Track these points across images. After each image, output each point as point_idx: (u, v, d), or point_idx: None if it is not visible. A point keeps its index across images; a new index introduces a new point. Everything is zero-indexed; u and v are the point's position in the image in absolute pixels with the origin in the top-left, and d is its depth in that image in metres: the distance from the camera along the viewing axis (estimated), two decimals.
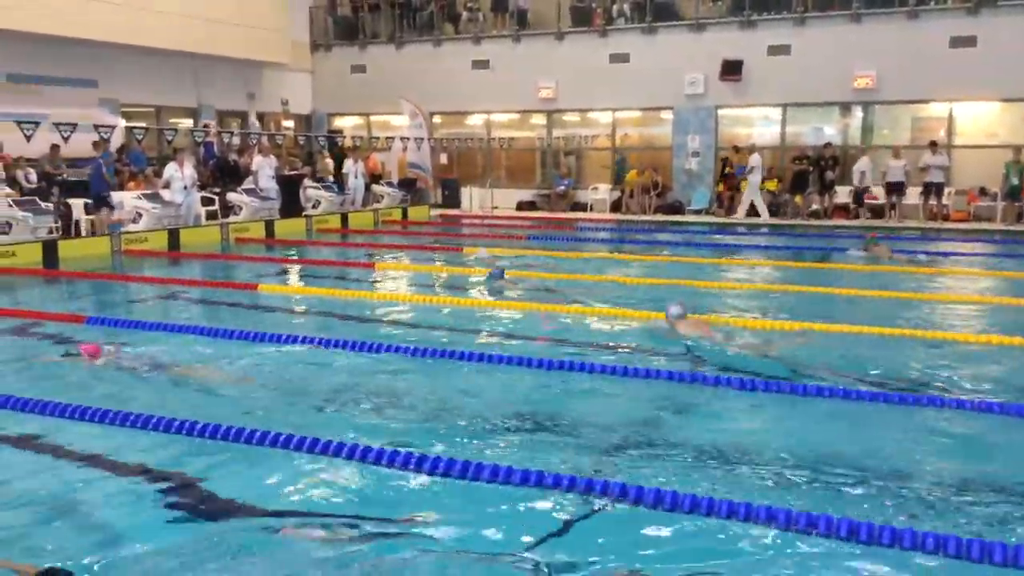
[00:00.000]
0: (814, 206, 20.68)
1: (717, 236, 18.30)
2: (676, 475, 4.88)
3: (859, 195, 20.25)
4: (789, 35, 21.26)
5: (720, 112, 22.42)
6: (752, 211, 20.83)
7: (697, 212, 21.75)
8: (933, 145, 19.34)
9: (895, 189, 19.54)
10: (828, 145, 20.80)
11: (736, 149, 21.69)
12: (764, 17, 21.61)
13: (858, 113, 21.73)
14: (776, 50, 21.26)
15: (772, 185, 21.16)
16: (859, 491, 4.73)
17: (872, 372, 7.04)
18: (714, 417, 6.02)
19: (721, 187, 21.91)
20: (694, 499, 4.32)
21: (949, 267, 13.56)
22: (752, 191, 20.75)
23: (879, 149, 21.04)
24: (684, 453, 5.27)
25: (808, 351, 7.76)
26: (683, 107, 22.46)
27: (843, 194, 20.76)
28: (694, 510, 4.27)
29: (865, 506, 4.50)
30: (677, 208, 22.11)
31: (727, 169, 21.80)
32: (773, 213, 20.93)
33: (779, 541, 4.08)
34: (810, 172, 20.45)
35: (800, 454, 5.23)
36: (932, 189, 19.35)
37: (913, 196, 19.76)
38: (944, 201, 19.65)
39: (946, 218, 19.60)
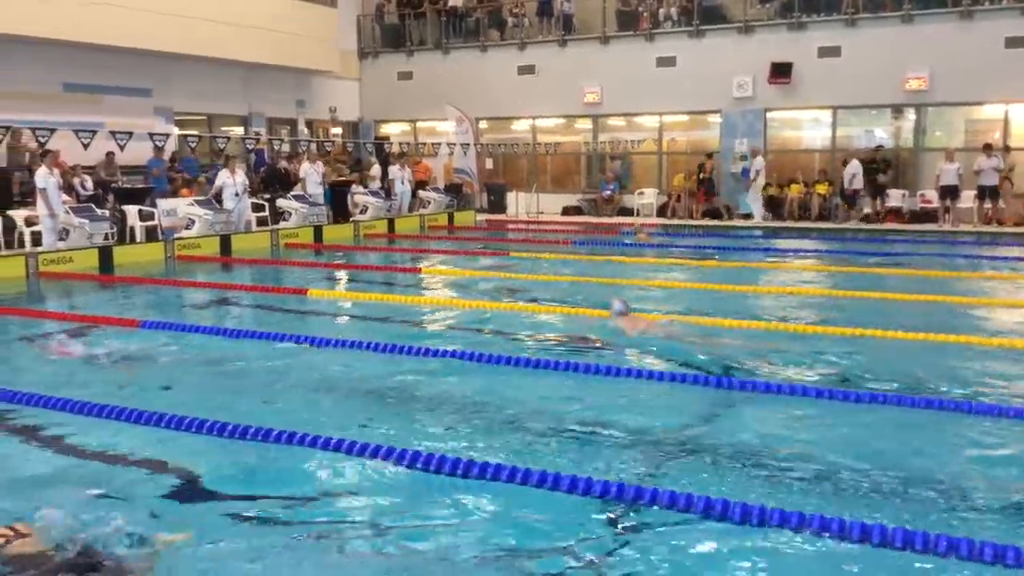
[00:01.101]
0: (866, 210, 20.38)
1: (765, 240, 18.10)
2: (726, 483, 4.84)
3: (850, 198, 20.11)
4: (839, 36, 20.99)
5: (769, 115, 22.20)
6: (720, 213, 21.34)
7: (745, 216, 21.53)
8: (987, 147, 18.96)
9: (948, 193, 19.17)
10: (880, 148, 20.51)
11: (709, 155, 21.96)
12: (814, 19, 21.38)
13: (910, 115, 21.36)
14: (826, 52, 21.00)
15: (822, 189, 20.90)
16: (911, 500, 4.65)
17: (922, 379, 6.90)
18: (762, 424, 5.94)
19: (698, 191, 22.09)
20: (745, 507, 4.27)
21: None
22: (755, 193, 20.81)
23: (932, 152, 20.69)
24: (732, 460, 5.22)
25: (855, 357, 7.65)
26: (731, 110, 22.28)
27: (895, 197, 20.48)
28: (745, 519, 4.23)
29: (918, 515, 4.42)
30: (736, 210, 21.90)
31: (702, 174, 21.92)
32: (823, 217, 20.68)
33: (831, 551, 4.02)
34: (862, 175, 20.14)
35: (852, 463, 5.15)
36: (986, 192, 18.97)
37: (967, 200, 19.38)
38: (1000, 204, 19.27)
39: (1001, 222, 19.19)
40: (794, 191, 21.22)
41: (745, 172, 21.36)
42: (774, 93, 21.66)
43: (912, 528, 4.05)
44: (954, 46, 19.77)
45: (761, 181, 20.92)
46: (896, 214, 20.33)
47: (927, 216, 20.03)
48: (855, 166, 19.92)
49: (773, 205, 21.45)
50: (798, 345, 8.20)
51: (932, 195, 19.91)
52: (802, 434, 5.77)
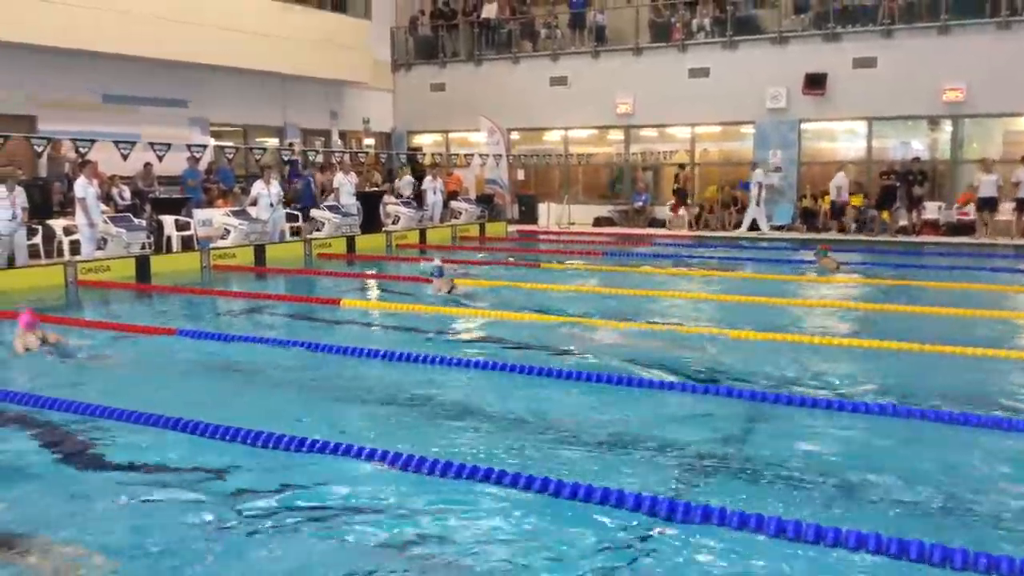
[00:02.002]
0: (902, 222, 20.16)
1: (798, 253, 17.91)
2: (759, 497, 4.80)
3: (839, 209, 20.40)
4: (875, 47, 20.82)
5: (803, 126, 22.05)
6: (754, 225, 21.19)
7: (779, 228, 21.39)
8: None
9: (986, 204, 18.91)
10: (916, 160, 20.30)
11: (681, 167, 22.45)
12: (849, 30, 21.22)
13: (947, 127, 21.11)
14: (862, 63, 20.84)
15: (857, 200, 20.71)
16: (948, 516, 4.59)
17: (958, 394, 6.79)
18: (796, 438, 5.89)
19: (674, 200, 22.52)
20: (780, 522, 4.23)
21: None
22: (753, 206, 20.93)
23: (969, 163, 20.43)
24: (767, 474, 5.18)
25: (888, 371, 7.56)
26: (765, 122, 22.15)
27: (932, 210, 20.24)
28: (780, 533, 4.19)
29: (956, 532, 4.35)
30: (757, 224, 21.76)
31: (676, 185, 22.24)
32: (859, 229, 20.49)
33: (869, 567, 3.97)
34: (897, 187, 19.97)
35: (890, 478, 5.09)
36: None
37: (1006, 212, 19.10)
38: None
39: None
40: (828, 203, 21.03)
41: (745, 185, 21.34)
42: (808, 104, 21.52)
43: (950, 545, 3.99)
44: (992, 56, 19.53)
45: (763, 193, 20.97)
46: (933, 226, 20.07)
47: (964, 228, 19.76)
48: (840, 178, 20.23)
49: (807, 216, 21.29)
50: (828, 358, 8.13)
51: (969, 207, 19.65)
52: (836, 447, 5.71)
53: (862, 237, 19.85)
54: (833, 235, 20.14)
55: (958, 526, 4.47)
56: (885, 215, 20.17)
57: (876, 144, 21.79)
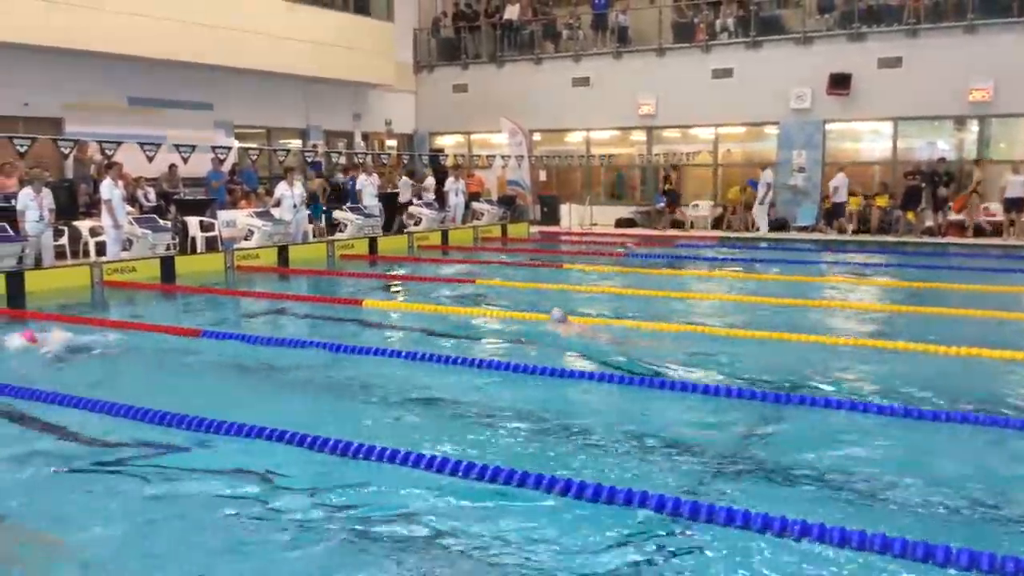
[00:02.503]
0: (927, 223, 19.97)
1: (821, 254, 17.80)
2: (783, 499, 4.77)
3: (836, 210, 20.53)
4: (901, 47, 20.64)
5: (828, 127, 21.90)
6: (773, 226, 21.36)
7: (803, 229, 21.26)
8: None
9: (1014, 206, 18.70)
10: (942, 160, 20.11)
11: (675, 168, 22.45)
12: (874, 30, 21.05)
13: (974, 127, 20.89)
14: (887, 63, 20.67)
15: (882, 201, 20.56)
16: (972, 519, 4.54)
17: (979, 396, 6.72)
18: (821, 439, 5.85)
19: (665, 202, 22.54)
20: (805, 525, 4.20)
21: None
22: (757, 206, 21.06)
23: (996, 164, 20.21)
24: (791, 476, 5.15)
25: (909, 372, 7.50)
26: (789, 122, 22.02)
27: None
28: (804, 535, 4.16)
29: (981, 535, 4.31)
30: (782, 225, 21.66)
31: (667, 186, 22.33)
32: (884, 230, 20.32)
33: (896, 570, 3.94)
34: (923, 188, 19.77)
35: (914, 482, 5.04)
36: None
37: None
38: None
39: None
40: (853, 203, 20.90)
41: (753, 183, 21.25)
42: (833, 104, 21.36)
43: (977, 549, 3.95)
44: (1019, 56, 19.30)
45: (770, 195, 20.96)
46: (958, 227, 19.86)
47: (991, 230, 19.53)
48: (839, 179, 20.27)
49: (831, 217, 21.14)
50: (850, 360, 8.07)
51: (996, 208, 19.44)
52: (860, 450, 5.66)
53: (888, 238, 19.67)
54: (856, 235, 20.02)
55: (985, 530, 4.43)
56: (910, 216, 19.98)
57: (901, 144, 21.60)
